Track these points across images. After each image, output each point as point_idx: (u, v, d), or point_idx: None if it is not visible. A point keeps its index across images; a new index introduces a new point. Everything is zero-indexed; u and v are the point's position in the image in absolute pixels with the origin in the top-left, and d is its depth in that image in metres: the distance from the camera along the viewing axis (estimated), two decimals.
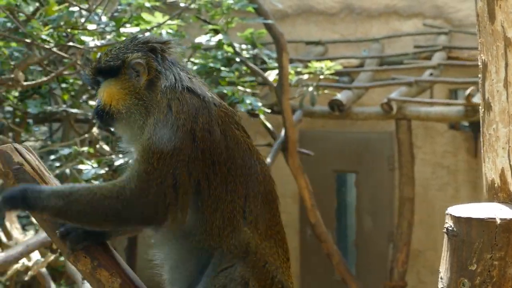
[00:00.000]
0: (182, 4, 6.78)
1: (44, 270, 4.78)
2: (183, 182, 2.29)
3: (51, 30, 5.07)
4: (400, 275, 8.09)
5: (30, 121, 7.39)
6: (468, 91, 7.26)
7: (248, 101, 6.51)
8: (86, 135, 7.24)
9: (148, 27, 5.97)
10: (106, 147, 6.87)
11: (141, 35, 2.50)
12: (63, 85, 7.14)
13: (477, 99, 7.45)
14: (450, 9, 9.09)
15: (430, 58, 8.74)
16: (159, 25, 5.78)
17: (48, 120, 8.34)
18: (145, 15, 6.01)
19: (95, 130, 7.43)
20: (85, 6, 5.37)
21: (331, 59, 8.17)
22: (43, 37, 5.28)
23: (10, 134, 7.30)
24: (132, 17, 5.76)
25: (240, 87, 6.98)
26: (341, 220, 9.89)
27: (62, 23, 5.08)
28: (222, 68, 6.87)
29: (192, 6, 7.01)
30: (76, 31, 5.24)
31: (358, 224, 9.43)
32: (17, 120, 7.13)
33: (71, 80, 7.19)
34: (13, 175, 2.43)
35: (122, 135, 2.49)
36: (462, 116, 7.61)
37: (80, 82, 7.38)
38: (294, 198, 9.94)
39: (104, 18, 5.88)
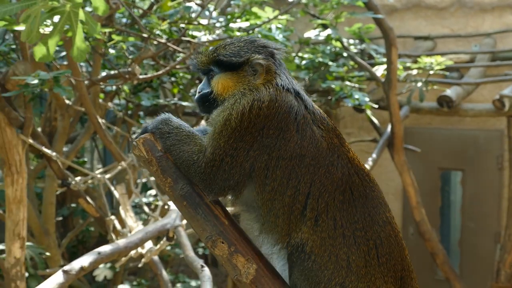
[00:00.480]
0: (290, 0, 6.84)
1: (156, 257, 4.93)
2: (238, 165, 2.43)
3: (167, 25, 5.21)
4: (507, 277, 7.84)
5: (141, 113, 7.64)
6: None
7: (356, 96, 6.47)
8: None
9: (259, 22, 6.05)
10: None
11: (259, 39, 2.58)
12: (173, 79, 7.33)
13: None
14: None
15: None
16: (269, 20, 5.83)
17: (158, 113, 8.56)
18: (256, 10, 6.08)
19: (203, 123, 7.59)
20: (199, 1, 5.48)
21: (440, 55, 7.99)
22: (157, 32, 5.45)
23: (123, 126, 7.59)
24: (244, 11, 5.83)
25: (348, 82, 6.94)
26: (445, 219, 9.69)
27: (177, 18, 5.22)
28: (330, 63, 6.86)
29: (301, 1, 7.05)
30: (190, 26, 5.35)
31: (463, 224, 9.20)
32: (129, 112, 7.38)
33: (181, 74, 7.37)
34: (156, 162, 2.55)
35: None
36: None
37: (188, 76, 7.57)
38: (397, 195, 9.81)
39: (214, 14, 6.00)
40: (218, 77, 2.56)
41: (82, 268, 3.08)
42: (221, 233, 2.45)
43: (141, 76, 5.57)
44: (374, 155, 7.49)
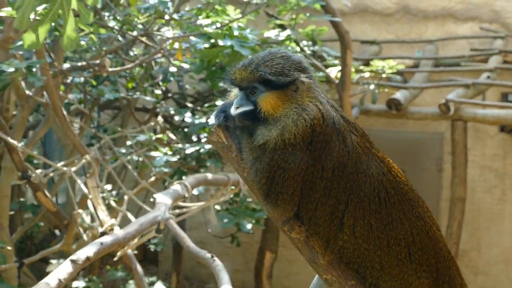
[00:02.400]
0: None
1: (130, 251, 4.92)
2: (291, 178, 2.53)
3: (138, 19, 5.21)
4: None
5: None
6: None
7: None
8: (152, 123, 7.40)
9: (220, 20, 6.10)
10: (173, 136, 7.01)
11: (292, 54, 2.63)
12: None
13: None
14: (507, 14, 9.17)
15: (485, 61, 8.83)
16: (237, 19, 5.90)
17: (109, 107, 8.51)
18: (220, 9, 6.14)
19: (159, 119, 7.60)
20: None
21: (386, 59, 8.29)
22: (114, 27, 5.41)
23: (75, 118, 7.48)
24: (213, 8, 5.89)
25: None
26: None
27: (152, 13, 5.23)
28: None
29: (258, 1, 7.14)
30: (163, 21, 5.37)
31: None
32: (82, 105, 7.29)
33: (136, 69, 7.33)
34: (236, 148, 2.61)
35: (257, 129, 2.60)
36: None
37: (142, 71, 7.54)
38: None
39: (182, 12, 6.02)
40: (265, 96, 2.57)
41: (87, 258, 3.08)
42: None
43: (110, 69, 5.55)
44: None
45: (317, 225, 2.58)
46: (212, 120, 2.67)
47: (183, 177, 6.53)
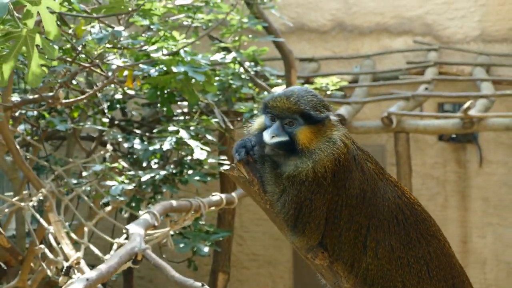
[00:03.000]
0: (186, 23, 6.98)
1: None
2: (318, 208, 2.65)
3: (102, 49, 5.19)
4: None
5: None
6: (466, 105, 7.65)
7: None
8: (102, 152, 7.33)
9: (165, 46, 6.12)
10: (125, 163, 6.97)
11: (314, 92, 2.78)
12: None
13: (474, 111, 7.86)
14: (438, 27, 9.54)
15: (421, 73, 9.14)
16: (185, 45, 5.95)
17: (53, 138, 8.37)
18: (169, 36, 6.17)
19: (109, 147, 7.53)
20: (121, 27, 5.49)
21: (325, 76, 8.48)
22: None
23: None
24: (164, 35, 5.91)
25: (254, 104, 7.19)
26: None
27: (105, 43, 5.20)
28: (237, 85, 7.08)
29: (198, 24, 7.20)
30: (114, 50, 5.37)
31: None
32: (29, 137, 7.16)
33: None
34: (258, 182, 2.68)
35: (289, 161, 2.70)
36: (459, 128, 7.99)
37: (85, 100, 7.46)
38: None
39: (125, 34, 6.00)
40: (302, 129, 2.68)
41: None
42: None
43: (64, 101, 5.49)
44: None
45: (341, 250, 2.70)
46: (233, 154, 2.73)
47: (140, 205, 6.51)
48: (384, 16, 9.71)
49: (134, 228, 4.08)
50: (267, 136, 2.66)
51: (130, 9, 4.89)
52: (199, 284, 3.29)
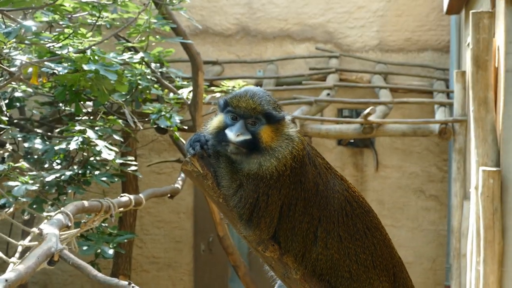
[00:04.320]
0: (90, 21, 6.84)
1: None
2: (273, 203, 2.73)
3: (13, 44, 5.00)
4: None
5: None
6: (367, 110, 7.93)
7: (177, 118, 6.72)
8: (1, 152, 7.05)
9: (71, 43, 5.99)
10: (26, 164, 6.73)
11: (268, 93, 2.84)
12: None
13: (373, 117, 8.16)
14: (339, 35, 9.83)
15: (323, 79, 9.39)
16: (98, 43, 5.84)
17: None
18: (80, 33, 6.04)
19: (8, 146, 7.25)
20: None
21: (229, 79, 8.54)
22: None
23: None
24: (73, 32, 5.77)
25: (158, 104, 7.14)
26: (234, 232, 10.23)
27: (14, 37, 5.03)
28: (146, 85, 7.00)
29: (102, 23, 7.09)
30: (22, 45, 5.20)
31: None
32: None
33: None
34: (212, 176, 2.70)
35: (242, 161, 2.76)
36: (359, 133, 8.27)
37: None
38: (188, 214, 10.18)
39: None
40: (265, 128, 2.76)
41: None
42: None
43: None
44: (182, 175, 7.75)
45: (293, 241, 2.78)
46: (187, 149, 2.72)
47: (43, 206, 6.32)
48: (288, 23, 9.90)
49: (48, 228, 3.96)
50: (232, 135, 2.71)
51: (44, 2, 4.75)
52: (126, 283, 3.24)
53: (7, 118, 7.43)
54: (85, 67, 5.49)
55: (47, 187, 6.37)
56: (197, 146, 2.74)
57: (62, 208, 4.57)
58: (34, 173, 6.44)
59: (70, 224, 4.38)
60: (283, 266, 2.73)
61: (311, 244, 2.79)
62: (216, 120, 2.85)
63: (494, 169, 5.40)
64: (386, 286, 2.89)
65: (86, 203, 4.98)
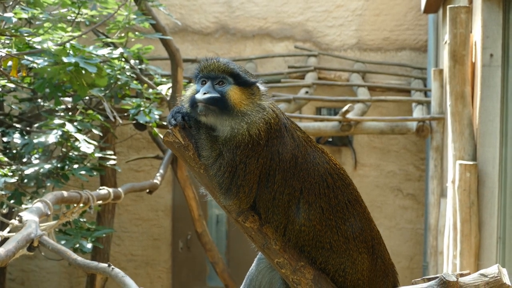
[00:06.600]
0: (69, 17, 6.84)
1: None
2: (251, 172, 2.76)
3: None
4: None
5: None
6: (345, 108, 7.99)
7: (156, 113, 6.73)
8: None
9: (50, 38, 5.99)
10: (5, 158, 6.70)
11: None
12: None
13: (351, 115, 8.23)
14: (318, 34, 9.90)
15: (302, 77, 9.45)
16: (78, 36, 5.84)
17: None
18: (59, 26, 6.04)
19: None
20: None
21: None
22: None
23: None
24: (52, 26, 5.77)
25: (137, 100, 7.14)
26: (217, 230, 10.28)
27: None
28: (125, 80, 7.01)
29: (81, 19, 7.08)
30: (2, 37, 5.19)
31: (229, 235, 9.83)
32: None
33: None
34: (193, 147, 2.73)
35: (215, 124, 2.80)
36: (337, 131, 8.33)
37: None
38: (167, 212, 10.18)
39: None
40: (232, 88, 2.79)
41: None
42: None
43: None
44: (161, 171, 7.77)
45: (274, 213, 2.82)
46: (169, 120, 2.75)
47: (22, 199, 6.30)
48: (267, 21, 9.95)
49: (28, 216, 3.97)
50: (199, 94, 2.76)
51: None
52: (105, 265, 3.25)
53: None
54: (65, 59, 5.49)
55: (26, 180, 6.36)
56: (179, 117, 2.79)
57: (42, 197, 4.57)
58: (13, 167, 6.43)
59: (49, 213, 4.39)
60: (262, 236, 2.76)
61: (293, 216, 2.83)
62: (190, 89, 2.91)
63: (471, 163, 5.47)
64: (364, 257, 2.93)
65: (65, 193, 4.99)
